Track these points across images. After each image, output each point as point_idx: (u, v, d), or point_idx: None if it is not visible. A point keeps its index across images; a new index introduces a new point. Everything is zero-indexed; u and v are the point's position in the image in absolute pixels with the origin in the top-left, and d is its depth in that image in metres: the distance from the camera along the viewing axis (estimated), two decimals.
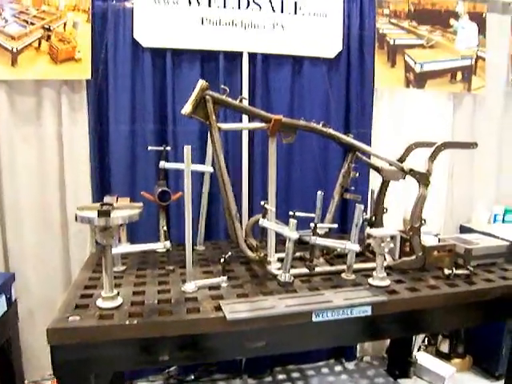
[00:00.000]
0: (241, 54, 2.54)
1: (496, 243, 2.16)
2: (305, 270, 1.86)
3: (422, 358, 2.87)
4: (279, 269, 1.86)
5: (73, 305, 1.55)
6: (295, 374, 2.87)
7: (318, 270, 1.89)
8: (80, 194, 2.48)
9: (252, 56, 2.56)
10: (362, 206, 1.84)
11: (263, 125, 1.93)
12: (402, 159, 2.17)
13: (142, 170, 2.52)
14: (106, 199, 1.68)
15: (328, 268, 1.95)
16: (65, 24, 2.38)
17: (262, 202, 1.86)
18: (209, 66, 2.55)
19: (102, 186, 2.52)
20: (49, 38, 2.36)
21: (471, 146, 2.12)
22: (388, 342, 2.96)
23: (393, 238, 1.77)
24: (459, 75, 2.98)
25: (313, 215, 2.18)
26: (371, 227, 2.22)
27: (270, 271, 1.87)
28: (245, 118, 2.44)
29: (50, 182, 2.50)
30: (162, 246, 1.88)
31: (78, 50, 2.39)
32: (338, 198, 2.13)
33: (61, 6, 2.37)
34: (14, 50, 2.30)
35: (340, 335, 1.68)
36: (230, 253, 1.77)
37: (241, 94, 2.51)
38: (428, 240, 2.10)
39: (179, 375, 2.72)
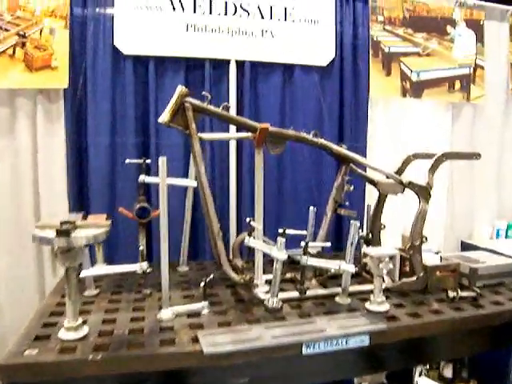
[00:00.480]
0: (228, 61, 2.42)
1: (503, 261, 2.01)
2: (295, 294, 1.69)
3: (424, 383, 2.68)
4: (267, 292, 1.69)
5: (32, 335, 1.37)
6: None
7: (309, 293, 1.71)
8: (57, 210, 2.31)
9: (240, 64, 2.44)
10: (358, 223, 1.68)
11: (249, 134, 1.78)
12: (399, 171, 2.03)
13: (123, 185, 2.35)
14: (71, 216, 1.52)
15: (321, 291, 1.78)
16: (41, 30, 2.25)
17: (248, 219, 1.70)
18: (194, 75, 2.42)
19: (79, 202, 2.35)
20: (24, 44, 2.23)
21: (474, 156, 1.98)
22: None
23: (392, 258, 1.60)
24: (457, 84, 2.88)
25: (304, 233, 2.02)
26: (368, 245, 2.07)
27: (257, 295, 1.70)
28: (233, 127, 2.29)
29: (24, 199, 2.32)
30: (138, 267, 1.73)
31: (54, 58, 2.26)
32: (331, 214, 1.97)
33: (37, 12, 2.24)
34: None
35: (334, 369, 1.49)
36: (211, 275, 1.60)
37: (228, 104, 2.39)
38: (429, 258, 1.94)
39: None
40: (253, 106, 2.49)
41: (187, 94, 1.65)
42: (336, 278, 1.87)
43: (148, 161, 2.06)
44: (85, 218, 1.57)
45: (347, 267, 1.63)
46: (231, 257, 1.97)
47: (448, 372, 2.79)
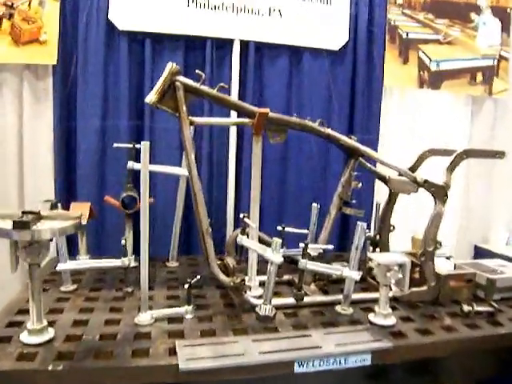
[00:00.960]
0: (231, 41, 2.23)
1: None
2: (291, 300, 1.52)
3: None
4: (260, 297, 1.51)
5: None
6: None
7: (307, 300, 1.53)
8: (42, 198, 2.15)
9: (244, 45, 2.25)
10: (365, 225, 1.49)
11: (247, 120, 1.59)
12: (413, 168, 1.85)
13: (114, 171, 2.18)
14: (40, 206, 1.35)
15: (320, 298, 1.60)
16: (30, 1, 2.10)
17: (242, 215, 1.52)
18: (194, 55, 2.24)
19: (66, 189, 2.19)
20: (11, 16, 2.09)
21: (497, 155, 1.78)
22: None
23: (401, 266, 1.41)
24: (479, 76, 2.66)
25: (306, 231, 1.85)
26: (375, 248, 1.89)
27: (248, 300, 1.53)
28: (234, 113, 2.11)
29: (8, 183, 2.17)
30: (119, 262, 1.58)
31: (43, 32, 2.10)
32: (336, 213, 1.79)
33: None
34: None
35: None
36: (199, 276, 1.44)
37: (229, 88, 2.20)
38: (441, 265, 1.76)
39: None
40: (256, 91, 2.31)
41: (178, 71, 1.48)
42: (338, 282, 1.69)
43: (138, 145, 1.88)
44: (55, 207, 1.40)
45: (351, 274, 1.46)
46: (226, 254, 1.80)
47: None
